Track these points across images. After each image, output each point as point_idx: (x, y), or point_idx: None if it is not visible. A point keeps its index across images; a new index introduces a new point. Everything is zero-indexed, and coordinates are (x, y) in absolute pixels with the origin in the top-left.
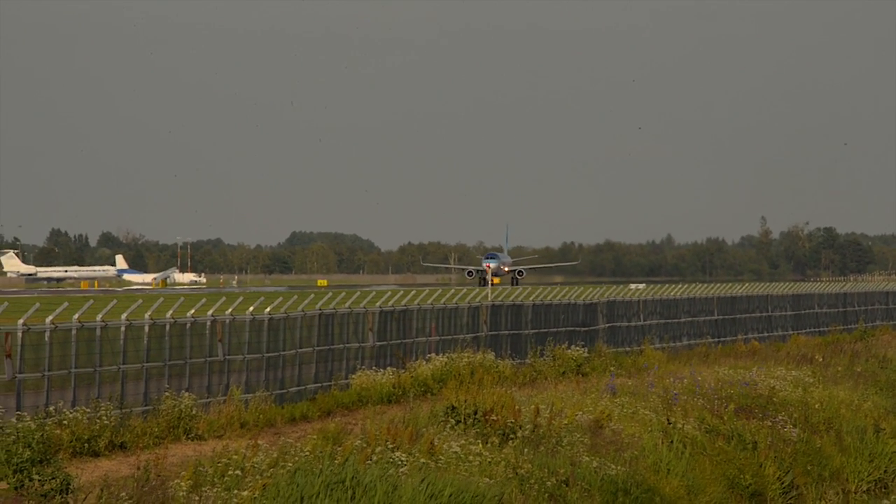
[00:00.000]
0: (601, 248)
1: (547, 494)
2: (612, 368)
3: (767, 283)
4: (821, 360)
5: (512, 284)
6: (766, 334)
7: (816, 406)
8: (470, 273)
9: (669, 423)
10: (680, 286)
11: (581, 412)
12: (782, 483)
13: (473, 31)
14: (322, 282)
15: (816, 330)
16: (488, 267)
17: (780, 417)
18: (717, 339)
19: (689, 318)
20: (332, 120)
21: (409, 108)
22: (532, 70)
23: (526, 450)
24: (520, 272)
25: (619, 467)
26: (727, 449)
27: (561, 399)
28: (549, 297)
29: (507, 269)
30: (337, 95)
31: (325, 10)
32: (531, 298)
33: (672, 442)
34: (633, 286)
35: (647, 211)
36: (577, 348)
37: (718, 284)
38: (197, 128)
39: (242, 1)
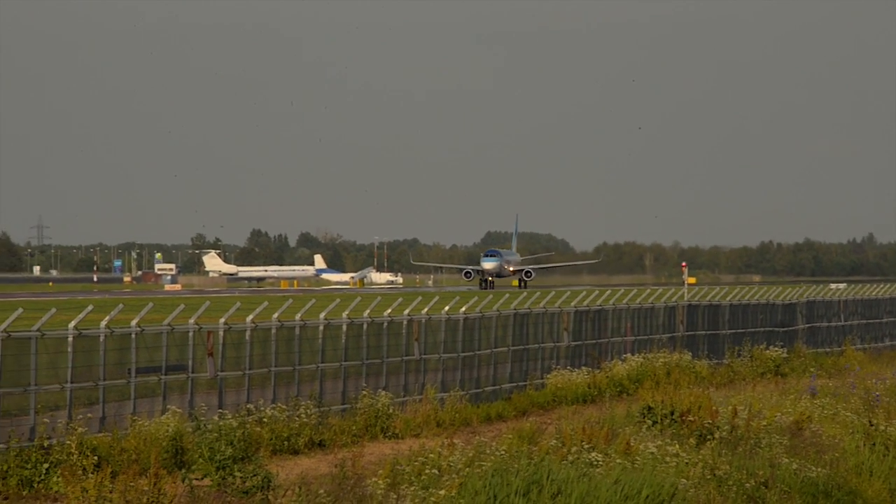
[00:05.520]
0: (800, 248)
1: (745, 496)
2: (811, 369)
3: None
4: None
5: (519, 287)
6: None
7: None
8: (468, 274)
9: (871, 425)
10: (882, 286)
11: (780, 413)
12: None
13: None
14: (516, 282)
15: None
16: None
17: None
18: None
19: (892, 319)
20: (522, 119)
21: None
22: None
23: (723, 451)
24: (528, 273)
25: (819, 469)
26: None
27: (759, 400)
28: (746, 297)
29: (512, 268)
30: (543, 89)
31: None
32: (728, 298)
33: (874, 444)
34: (833, 286)
35: (847, 209)
36: (776, 349)
37: None
38: (393, 130)
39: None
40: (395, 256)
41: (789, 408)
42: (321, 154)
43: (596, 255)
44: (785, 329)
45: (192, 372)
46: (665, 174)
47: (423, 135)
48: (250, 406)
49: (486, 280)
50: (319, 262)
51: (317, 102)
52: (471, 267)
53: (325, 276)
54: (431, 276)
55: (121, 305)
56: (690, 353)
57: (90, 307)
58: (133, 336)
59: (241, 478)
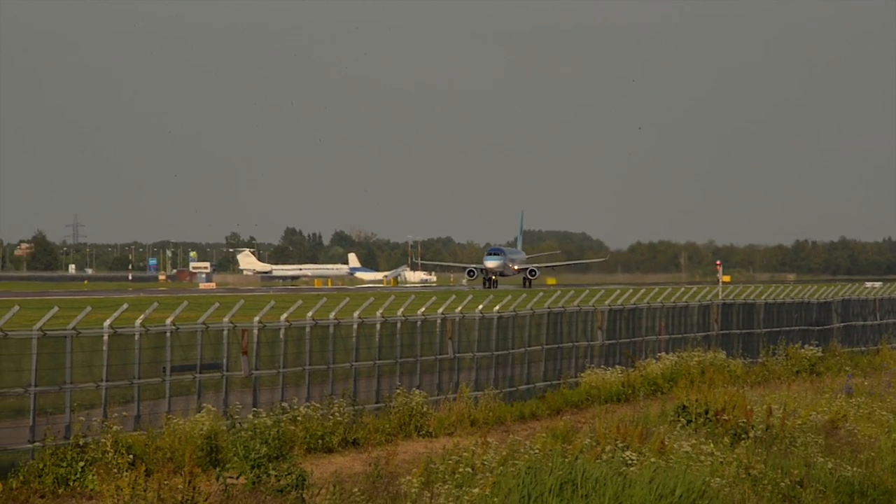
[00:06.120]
0: (835, 246)
1: (780, 495)
2: (847, 368)
3: None
4: None
5: (524, 286)
6: None
7: None
8: (471, 272)
9: None
10: None
11: (815, 412)
12: None
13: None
14: (551, 280)
15: None
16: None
17: None
18: None
19: None
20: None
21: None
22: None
23: (758, 450)
24: (532, 271)
25: (855, 469)
26: None
27: (794, 399)
28: (781, 296)
29: (516, 267)
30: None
31: None
32: (763, 297)
33: None
34: (868, 284)
35: (883, 208)
36: (811, 348)
37: None
38: (423, 129)
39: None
40: (429, 255)
41: (824, 407)
42: (354, 154)
43: (630, 254)
44: (820, 328)
45: (227, 370)
46: (698, 172)
47: (455, 132)
48: (285, 404)
49: (489, 279)
50: (353, 260)
51: (336, 102)
52: (474, 265)
53: (358, 274)
54: (466, 275)
55: (156, 304)
56: (725, 352)
57: (125, 306)
58: (168, 334)
59: (275, 476)
